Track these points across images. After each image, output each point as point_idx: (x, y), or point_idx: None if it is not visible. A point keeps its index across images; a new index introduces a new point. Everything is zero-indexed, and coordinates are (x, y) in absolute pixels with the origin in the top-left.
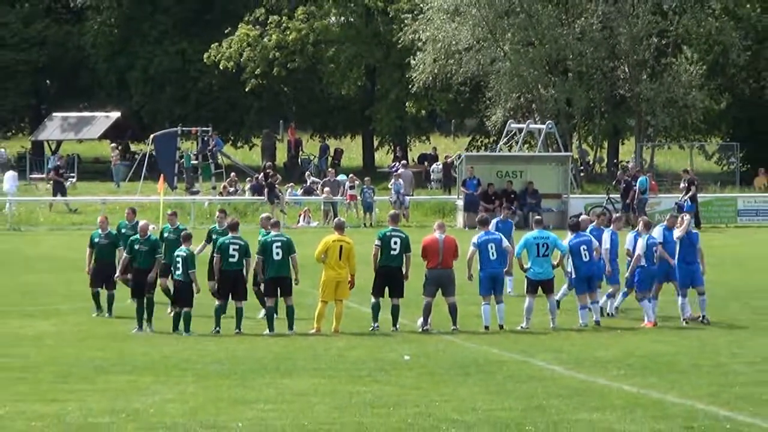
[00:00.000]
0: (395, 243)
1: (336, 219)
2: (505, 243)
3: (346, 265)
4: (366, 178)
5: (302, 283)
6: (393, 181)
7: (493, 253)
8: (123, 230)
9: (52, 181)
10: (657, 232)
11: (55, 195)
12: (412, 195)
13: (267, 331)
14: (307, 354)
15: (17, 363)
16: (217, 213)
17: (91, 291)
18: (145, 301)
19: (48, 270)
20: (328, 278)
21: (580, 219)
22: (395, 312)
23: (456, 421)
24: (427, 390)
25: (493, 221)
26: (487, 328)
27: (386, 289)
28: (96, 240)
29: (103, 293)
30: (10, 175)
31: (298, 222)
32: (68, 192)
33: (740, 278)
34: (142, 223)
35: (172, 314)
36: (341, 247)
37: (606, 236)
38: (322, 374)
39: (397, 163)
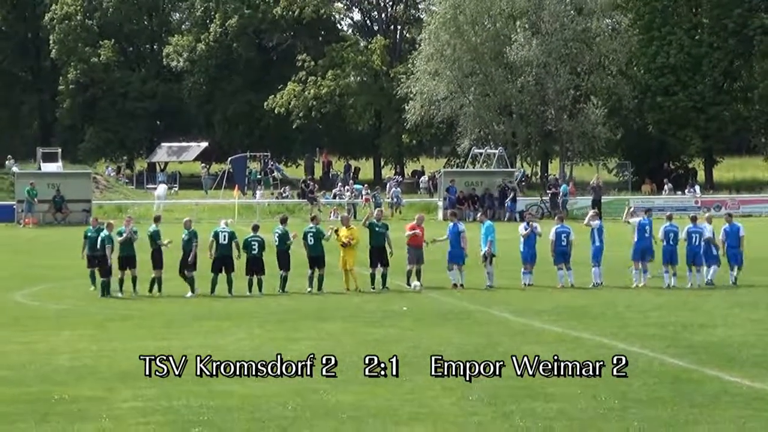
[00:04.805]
0: (378, 229)
1: (342, 215)
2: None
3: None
4: (376, 187)
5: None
6: (391, 190)
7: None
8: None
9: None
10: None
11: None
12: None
13: (309, 289)
14: (336, 306)
15: (137, 314)
16: (126, 218)
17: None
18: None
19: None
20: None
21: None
22: (384, 277)
23: (438, 351)
24: (418, 331)
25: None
26: (455, 286)
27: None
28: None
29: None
30: (163, 186)
31: (330, 217)
32: (169, 197)
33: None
34: (185, 219)
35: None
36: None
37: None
38: (346, 320)
39: (397, 177)
